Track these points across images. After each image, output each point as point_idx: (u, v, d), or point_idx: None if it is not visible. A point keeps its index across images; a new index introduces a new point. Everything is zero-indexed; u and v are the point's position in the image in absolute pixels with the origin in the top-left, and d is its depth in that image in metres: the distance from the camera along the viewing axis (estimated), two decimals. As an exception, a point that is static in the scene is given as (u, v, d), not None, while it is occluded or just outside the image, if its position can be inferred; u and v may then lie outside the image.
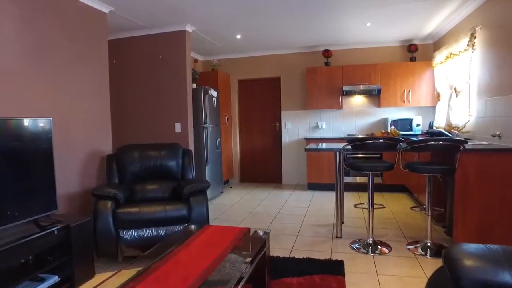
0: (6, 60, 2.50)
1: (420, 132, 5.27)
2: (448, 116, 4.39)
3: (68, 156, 3.06)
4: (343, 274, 2.49)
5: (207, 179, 4.96)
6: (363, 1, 3.64)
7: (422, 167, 2.81)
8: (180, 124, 4.41)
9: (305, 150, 3.42)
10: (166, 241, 2.31)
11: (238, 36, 5.01)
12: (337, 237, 3.31)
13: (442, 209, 3.12)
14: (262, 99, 6.39)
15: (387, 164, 3.00)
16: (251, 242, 2.17)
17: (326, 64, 5.71)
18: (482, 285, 1.16)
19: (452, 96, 4.22)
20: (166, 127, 4.46)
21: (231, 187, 6.05)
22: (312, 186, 5.58)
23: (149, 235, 2.75)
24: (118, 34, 4.53)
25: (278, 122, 6.31)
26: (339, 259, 2.75)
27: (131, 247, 2.74)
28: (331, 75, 5.57)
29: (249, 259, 1.96)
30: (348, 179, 5.33)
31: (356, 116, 5.82)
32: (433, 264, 2.62)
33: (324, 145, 3.78)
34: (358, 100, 5.78)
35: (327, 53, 5.64)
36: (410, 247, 2.98)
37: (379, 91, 5.34)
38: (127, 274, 2.08)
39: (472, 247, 1.40)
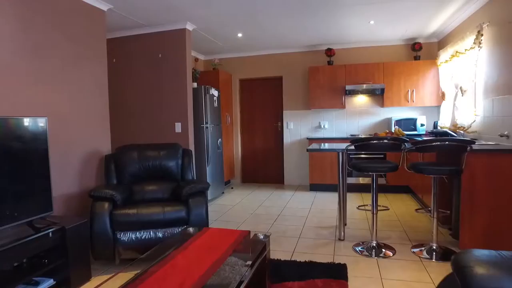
0: (1, 58, 2.44)
1: (424, 132, 5.18)
2: (453, 116, 4.30)
3: (66, 156, 3.00)
4: (346, 278, 2.42)
5: (207, 179, 4.90)
6: (367, -2, 3.57)
7: (427, 168, 2.73)
8: (180, 124, 4.35)
9: (307, 150, 3.35)
10: (164, 244, 2.25)
11: (239, 35, 4.95)
12: (339, 239, 3.23)
13: (448, 212, 3.04)
14: (264, 98, 6.32)
15: (392, 164, 2.92)
16: (251, 245, 2.10)
17: (329, 63, 5.63)
18: (496, 296, 1.09)
19: (458, 95, 4.13)
20: (166, 127, 4.40)
21: (232, 188, 5.98)
22: (315, 187, 5.51)
23: (147, 237, 2.69)
24: (118, 32, 4.48)
25: (280, 122, 6.24)
26: (342, 262, 2.68)
27: (128, 249, 2.68)
28: (334, 74, 5.49)
29: (249, 263, 1.90)
30: (351, 180, 5.25)
31: (359, 116, 5.74)
32: (439, 268, 2.54)
33: (326, 145, 3.71)
34: (361, 100, 5.70)
35: (329, 52, 5.57)
36: (415, 250, 2.90)
37: (382, 90, 5.26)
38: (124, 277, 2.03)
39: (483, 253, 1.33)
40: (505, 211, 2.61)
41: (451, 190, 3.11)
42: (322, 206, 4.54)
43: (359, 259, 2.78)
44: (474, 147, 2.68)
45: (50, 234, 2.23)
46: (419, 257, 2.77)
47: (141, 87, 4.48)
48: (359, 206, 4.02)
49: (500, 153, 2.64)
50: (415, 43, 5.26)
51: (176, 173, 3.35)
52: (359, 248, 2.97)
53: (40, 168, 2.35)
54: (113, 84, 4.52)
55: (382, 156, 5.05)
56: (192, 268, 1.81)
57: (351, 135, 5.62)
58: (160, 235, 2.72)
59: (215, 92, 5.18)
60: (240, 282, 1.72)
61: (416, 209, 3.58)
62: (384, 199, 4.78)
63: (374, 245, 2.94)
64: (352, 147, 3.01)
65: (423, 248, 2.88)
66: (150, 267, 1.89)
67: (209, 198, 4.94)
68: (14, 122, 2.20)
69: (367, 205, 4.18)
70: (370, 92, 5.37)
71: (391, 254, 2.84)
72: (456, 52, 4.02)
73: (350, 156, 5.18)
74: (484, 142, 3.24)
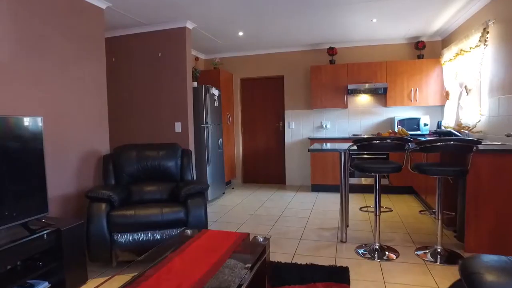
0: (-4, 56, 2.40)
1: (427, 132, 5.11)
2: (457, 116, 4.23)
3: (63, 156, 2.96)
4: (348, 282, 2.36)
5: (208, 180, 4.84)
6: (369, -4, 3.51)
7: (432, 168, 2.66)
8: (180, 123, 4.29)
9: (309, 150, 3.29)
10: (162, 246, 2.20)
11: (240, 33, 4.89)
12: (341, 241, 3.17)
13: (453, 213, 2.96)
14: (265, 98, 6.26)
15: (395, 165, 2.85)
16: (250, 248, 2.04)
17: (331, 62, 5.57)
18: (508, 305, 1.02)
19: (462, 94, 4.05)
20: (166, 126, 4.35)
21: (233, 188, 5.93)
22: (316, 188, 5.44)
23: (144, 239, 2.64)
24: (117, 31, 4.43)
25: (281, 122, 6.18)
26: (344, 265, 2.62)
27: (126, 251, 2.63)
28: (336, 74, 5.42)
29: (248, 265, 1.84)
30: (353, 180, 5.18)
31: (361, 116, 5.67)
32: (443, 272, 2.47)
33: (328, 145, 3.64)
34: (363, 99, 5.63)
35: (331, 51, 5.50)
36: (419, 252, 2.83)
37: (385, 89, 5.19)
38: (120, 279, 1.98)
39: (492, 259, 1.26)
40: (512, 213, 2.54)
41: (456, 191, 3.04)
42: (324, 207, 4.47)
43: (361, 262, 2.71)
44: (480, 147, 2.61)
45: (45, 236, 2.18)
46: (423, 260, 2.70)
47: (141, 86, 4.44)
48: (361, 208, 3.95)
49: (507, 154, 2.57)
50: (418, 42, 5.18)
51: (175, 173, 3.29)
52: (362, 251, 2.90)
53: (35, 168, 2.30)
54: (112, 83, 4.49)
55: (385, 156, 4.98)
56: (190, 270, 1.76)
57: (354, 135, 5.55)
58: (158, 236, 2.66)
59: (215, 92, 5.12)
60: (239, 286, 1.67)
61: (420, 211, 3.50)
62: (387, 200, 4.71)
63: (377, 247, 2.88)
64: (355, 147, 2.95)
65: (427, 251, 2.81)
66: (147, 269, 1.85)
67: (209, 198, 4.89)
68: (8, 121, 2.15)
69: (369, 206, 4.12)
70: (373, 92, 5.29)
71: (394, 257, 2.77)
72: (461, 50, 3.95)
73: (352, 156, 5.11)
74: (489, 142, 3.16)
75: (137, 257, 2.16)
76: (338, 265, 2.63)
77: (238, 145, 6.38)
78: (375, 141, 2.79)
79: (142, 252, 2.20)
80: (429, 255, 2.74)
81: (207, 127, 4.88)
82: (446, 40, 4.99)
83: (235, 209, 4.50)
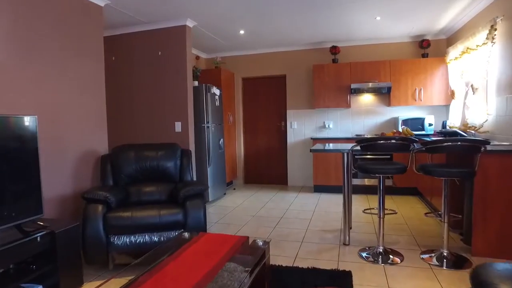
0: (-10, 54, 2.34)
1: (432, 132, 5.01)
2: (463, 115, 4.13)
3: (60, 156, 2.90)
4: (351, 287, 2.28)
5: (209, 180, 4.78)
6: (373, -8, 3.43)
7: (438, 170, 2.57)
8: (180, 123, 4.23)
9: (311, 151, 3.21)
10: (159, 249, 2.13)
11: (242, 32, 4.82)
12: (344, 244, 3.09)
13: (460, 216, 2.88)
14: (267, 97, 6.19)
15: (400, 166, 2.77)
16: (250, 252, 1.97)
17: (334, 61, 5.48)
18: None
19: (468, 93, 3.96)
20: (165, 126, 4.29)
21: (234, 189, 5.86)
22: (319, 188, 5.36)
23: (142, 241, 2.57)
24: (117, 30, 4.38)
25: (283, 122, 6.10)
26: (347, 269, 2.54)
27: (122, 254, 2.57)
28: (339, 73, 5.34)
29: (248, 270, 1.77)
30: (356, 181, 5.10)
31: (364, 115, 5.58)
32: (450, 277, 2.39)
33: (331, 146, 3.56)
34: (367, 99, 5.54)
35: (334, 50, 5.41)
36: (424, 256, 2.75)
37: (389, 89, 5.10)
38: (117, 283, 1.93)
39: (505, 268, 1.18)
40: (522, 216, 2.46)
41: (462, 192, 2.95)
42: (327, 208, 4.39)
43: (365, 265, 2.63)
44: (488, 147, 2.52)
45: (38, 239, 2.12)
46: (429, 264, 2.61)
47: (141, 85, 4.38)
48: (365, 210, 3.87)
49: (516, 154, 2.48)
50: (423, 40, 5.09)
51: (174, 174, 3.23)
52: (365, 254, 2.82)
53: (30, 168, 2.24)
54: (112, 82, 4.43)
55: (389, 157, 4.89)
56: (187, 275, 1.69)
57: (357, 135, 5.46)
58: (156, 239, 2.60)
59: (216, 91, 5.06)
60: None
61: (426, 213, 3.42)
62: (390, 202, 4.62)
63: (381, 250, 2.79)
64: (358, 147, 2.87)
65: (433, 255, 2.72)
66: (144, 272, 1.79)
67: (210, 199, 4.83)
68: (1, 120, 2.09)
69: (373, 208, 4.03)
70: (376, 91, 5.20)
71: (398, 260, 2.69)
72: (467, 48, 3.85)
73: (356, 156, 5.03)
74: (497, 143, 3.07)
75: (134, 260, 2.11)
76: (341, 269, 2.55)
77: (239, 145, 6.31)
78: (379, 141, 2.71)
79: (140, 255, 2.14)
80: (434, 259, 2.65)
81: (208, 127, 4.81)
82: (451, 38, 4.89)
83: (236, 210, 4.43)
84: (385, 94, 5.34)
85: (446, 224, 2.66)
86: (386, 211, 2.92)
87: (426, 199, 4.33)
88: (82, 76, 3.18)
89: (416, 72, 5.03)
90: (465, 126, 4.00)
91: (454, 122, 4.55)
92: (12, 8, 2.48)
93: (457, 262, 2.58)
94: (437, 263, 2.59)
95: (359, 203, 4.61)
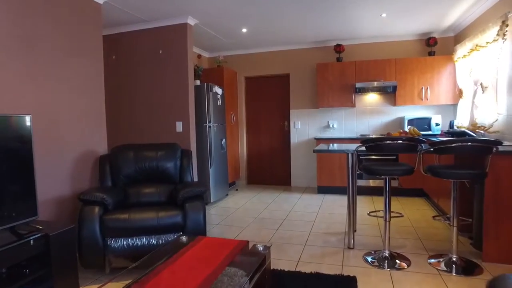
0: (-16, 51, 2.28)
1: (439, 132, 4.89)
2: (472, 115, 4.01)
3: (57, 156, 2.83)
4: (355, 294, 2.18)
5: (210, 181, 4.70)
6: (379, -12, 3.32)
7: (447, 171, 2.46)
8: (181, 123, 4.16)
9: (314, 151, 3.12)
10: (156, 253, 2.06)
11: (244, 30, 4.73)
12: (349, 247, 2.99)
13: (470, 220, 2.76)
14: (270, 97, 6.10)
15: (406, 167, 2.67)
16: (249, 258, 1.89)
17: (338, 59, 5.38)
18: None
19: (477, 92, 3.84)
20: (166, 126, 4.22)
21: (237, 190, 5.78)
22: (323, 189, 5.26)
23: (139, 244, 2.50)
24: (117, 28, 4.31)
25: (287, 121, 6.01)
26: (351, 274, 2.44)
27: (120, 257, 2.49)
28: (343, 72, 5.23)
29: (248, 275, 1.69)
30: (361, 182, 4.99)
31: (369, 115, 5.47)
32: (460, 284, 2.28)
33: (335, 146, 3.47)
34: (372, 98, 5.43)
35: (339, 48, 5.31)
36: (432, 261, 2.64)
37: (394, 88, 4.98)
38: (114, 287, 1.87)
39: (526, 279, 1.09)
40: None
41: (472, 195, 2.84)
42: (331, 210, 4.29)
43: (370, 270, 2.53)
44: (500, 148, 2.41)
45: (32, 242, 2.05)
46: (437, 269, 2.51)
47: (141, 84, 4.31)
48: (370, 212, 3.77)
49: (530, 155, 2.37)
50: (429, 38, 4.97)
51: (174, 175, 3.15)
52: (370, 258, 2.72)
53: (24, 169, 2.18)
54: (113, 81, 4.37)
55: (394, 157, 4.78)
56: (185, 280, 1.61)
57: (361, 135, 5.35)
58: (154, 242, 2.52)
59: (219, 90, 4.98)
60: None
61: (434, 216, 3.31)
62: (396, 203, 4.50)
63: (387, 255, 2.69)
64: (363, 148, 2.77)
65: (441, 260, 2.62)
66: (142, 276, 1.72)
67: (212, 200, 4.75)
68: (-7, 120, 2.03)
69: (379, 211, 3.93)
70: (382, 90, 5.09)
71: (405, 265, 2.58)
72: (476, 45, 3.73)
73: (360, 157, 4.92)
74: (508, 143, 2.95)
75: (132, 263, 2.04)
76: (345, 274, 2.46)
77: (242, 145, 6.23)
78: (385, 142, 2.61)
79: (137, 258, 2.07)
80: (443, 264, 2.55)
81: (210, 126, 4.73)
82: (459, 35, 4.77)
83: (238, 212, 4.35)
84: (390, 93, 5.23)
85: (455, 228, 2.55)
86: (392, 214, 2.82)
87: (433, 200, 4.22)
88: (81, 75, 3.11)
89: (423, 71, 4.91)
90: (474, 126, 3.88)
91: (462, 122, 4.43)
92: (8, 7, 2.41)
93: (467, 268, 2.47)
94: (446, 269, 2.49)
95: (364, 204, 4.50)
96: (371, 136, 5.12)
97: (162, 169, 3.11)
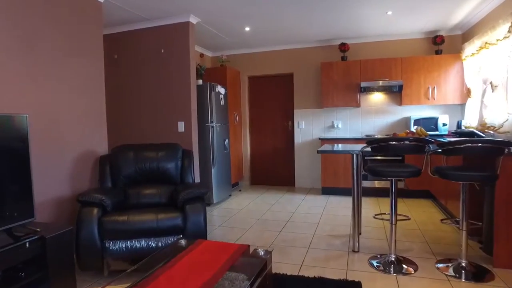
0: (-19, 50, 2.24)
1: (446, 133, 4.78)
2: (481, 114, 3.91)
3: (56, 157, 2.79)
4: (360, 300, 2.11)
5: (213, 182, 4.64)
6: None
7: (456, 173, 2.37)
8: (183, 123, 4.10)
9: (318, 152, 3.04)
10: (155, 256, 2.00)
11: (247, 29, 4.67)
12: (353, 251, 2.91)
13: (480, 223, 2.67)
14: (274, 96, 6.03)
15: (413, 169, 2.58)
16: (249, 263, 1.82)
17: (343, 58, 5.29)
18: None
19: (487, 91, 3.73)
20: (168, 126, 4.16)
21: (240, 190, 5.71)
22: (327, 191, 5.17)
23: (138, 246, 2.44)
24: (118, 27, 4.27)
25: (290, 121, 5.93)
26: (356, 279, 2.36)
27: (118, 260, 2.44)
28: (348, 71, 5.14)
29: (248, 282, 1.62)
30: (366, 183, 4.89)
31: (375, 115, 5.37)
32: (470, 290, 2.20)
33: (340, 147, 3.39)
34: (377, 98, 5.33)
35: (343, 47, 5.22)
36: (440, 265, 2.55)
37: (400, 87, 4.88)
38: (111, 291, 1.81)
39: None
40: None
41: (482, 197, 2.75)
42: (335, 212, 4.21)
43: (375, 275, 2.45)
44: (512, 149, 2.31)
45: (27, 244, 2.01)
46: (445, 274, 2.42)
47: (143, 84, 4.27)
48: (375, 215, 3.68)
49: (543, 157, 2.27)
50: (436, 36, 4.86)
51: (175, 175, 3.10)
52: (376, 263, 2.64)
53: (20, 170, 2.13)
54: (114, 81, 4.33)
55: (400, 158, 4.68)
56: (184, 284, 1.55)
57: (367, 135, 5.26)
58: (153, 244, 2.46)
59: (221, 90, 4.92)
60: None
61: (442, 220, 3.21)
62: (402, 205, 4.41)
63: (393, 259, 2.61)
64: (368, 148, 2.69)
65: (449, 264, 2.53)
66: (140, 280, 1.66)
67: (215, 201, 4.69)
68: (-12, 119, 1.98)
69: (384, 213, 3.83)
70: (387, 90, 4.99)
71: (412, 270, 2.50)
72: (486, 43, 3.63)
73: (365, 158, 4.83)
74: (519, 144, 2.85)
75: (130, 266, 1.99)
76: (350, 279, 2.38)
77: (245, 145, 6.16)
78: (391, 142, 2.52)
79: (136, 261, 2.02)
80: (451, 270, 2.45)
81: (212, 126, 4.67)
82: (467, 33, 4.65)
83: (240, 213, 4.28)
84: (396, 93, 5.13)
85: (464, 232, 2.46)
86: (398, 217, 2.73)
87: (440, 202, 4.11)
88: (81, 75, 3.06)
89: (429, 70, 4.80)
90: (483, 126, 3.77)
91: (470, 122, 4.32)
92: (7, 6, 2.37)
93: (477, 274, 2.37)
94: (454, 274, 2.39)
95: (369, 206, 4.41)
96: (376, 137, 5.03)
97: (163, 169, 3.06)
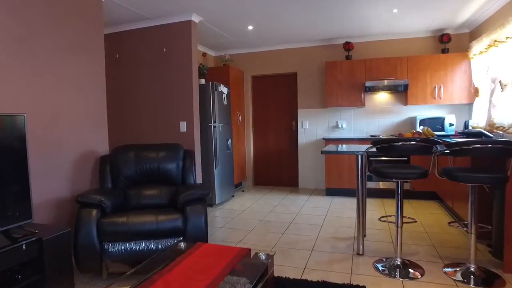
0: (-22, 48, 2.21)
1: (453, 133, 4.69)
2: (489, 114, 3.81)
3: (56, 157, 2.75)
4: (365, 305, 2.04)
5: (215, 182, 4.59)
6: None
7: (465, 175, 2.29)
8: (185, 122, 4.06)
9: (322, 152, 2.97)
10: (155, 259, 1.95)
11: (250, 28, 4.61)
12: (358, 254, 2.84)
13: (490, 227, 2.59)
14: (278, 96, 5.96)
15: (420, 170, 2.50)
16: (250, 268, 1.76)
17: (347, 57, 5.21)
18: None
19: (496, 90, 3.64)
20: (170, 125, 4.12)
21: (243, 191, 5.66)
22: (331, 191, 5.10)
23: (138, 249, 2.40)
24: (120, 26, 4.24)
25: (294, 121, 5.86)
26: (361, 284, 2.30)
27: (117, 262, 2.40)
28: (353, 70, 5.07)
29: (250, 285, 1.57)
30: (370, 184, 4.82)
31: (380, 115, 5.29)
32: (479, 296, 2.12)
33: (344, 147, 3.32)
34: (382, 97, 5.25)
35: (348, 46, 5.14)
36: (448, 270, 2.48)
37: (406, 87, 4.79)
38: (110, 294, 1.77)
39: None
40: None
41: (491, 199, 2.66)
42: (339, 213, 4.14)
43: (381, 279, 2.38)
44: (523, 150, 2.23)
45: (24, 246, 1.97)
46: (453, 279, 2.34)
47: (145, 83, 4.23)
48: (380, 217, 3.60)
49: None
50: (443, 35, 4.76)
51: (176, 176, 3.05)
52: (381, 266, 2.57)
53: (17, 170, 2.09)
54: (116, 80, 4.30)
55: (406, 159, 4.60)
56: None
57: (371, 136, 5.18)
58: (153, 247, 2.42)
59: (224, 89, 4.87)
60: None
61: (449, 223, 3.13)
62: (408, 207, 4.32)
63: (399, 263, 2.54)
64: (373, 149, 2.62)
65: (457, 269, 2.45)
66: (140, 283, 1.61)
67: (217, 202, 4.64)
68: (-15, 119, 1.95)
69: (390, 216, 3.76)
70: (392, 89, 4.90)
71: (419, 275, 2.42)
72: (495, 41, 3.54)
73: (370, 158, 4.75)
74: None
75: (130, 269, 1.94)
76: (354, 283, 2.31)
77: (249, 145, 6.11)
78: (397, 143, 2.45)
79: (135, 263, 1.97)
80: (459, 275, 2.38)
81: (215, 126, 4.62)
82: (475, 31, 4.56)
83: (243, 214, 4.23)
84: (401, 92, 5.04)
85: (473, 236, 2.38)
86: (404, 220, 2.65)
87: (447, 204, 4.02)
88: (82, 75, 3.03)
89: (436, 69, 4.71)
90: (492, 126, 3.68)
91: (478, 122, 4.23)
92: (7, 4, 2.34)
93: (487, 279, 2.29)
94: (462, 279, 2.32)
95: (374, 208, 4.33)
96: (381, 137, 4.94)
97: (164, 170, 3.01)
